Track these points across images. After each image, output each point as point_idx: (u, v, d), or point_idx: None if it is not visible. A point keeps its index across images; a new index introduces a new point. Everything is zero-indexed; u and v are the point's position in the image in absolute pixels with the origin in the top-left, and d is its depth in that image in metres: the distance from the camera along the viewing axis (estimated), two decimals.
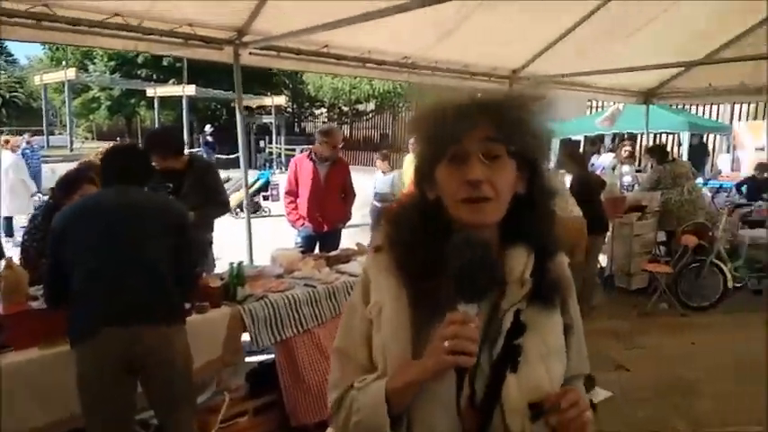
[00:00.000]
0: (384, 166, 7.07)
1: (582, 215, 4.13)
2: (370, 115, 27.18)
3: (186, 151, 4.16)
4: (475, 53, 5.50)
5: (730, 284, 5.19)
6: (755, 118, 15.42)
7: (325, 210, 4.70)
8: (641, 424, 3.41)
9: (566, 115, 7.41)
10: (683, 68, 7.17)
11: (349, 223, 5.08)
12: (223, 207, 3.91)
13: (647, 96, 7.89)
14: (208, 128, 20.26)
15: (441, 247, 0.95)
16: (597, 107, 14.55)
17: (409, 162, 7.03)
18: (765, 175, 7.88)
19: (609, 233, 5.44)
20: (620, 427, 3.39)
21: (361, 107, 26.79)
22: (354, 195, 5.01)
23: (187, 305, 2.57)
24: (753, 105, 15.46)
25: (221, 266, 3.53)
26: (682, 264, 5.28)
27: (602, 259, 5.94)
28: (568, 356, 1.07)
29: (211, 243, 3.93)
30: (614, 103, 9.10)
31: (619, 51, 6.15)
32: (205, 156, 18.66)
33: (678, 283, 5.29)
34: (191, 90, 19.78)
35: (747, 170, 11.77)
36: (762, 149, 12.55)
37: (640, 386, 3.85)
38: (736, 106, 15.94)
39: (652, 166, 6.28)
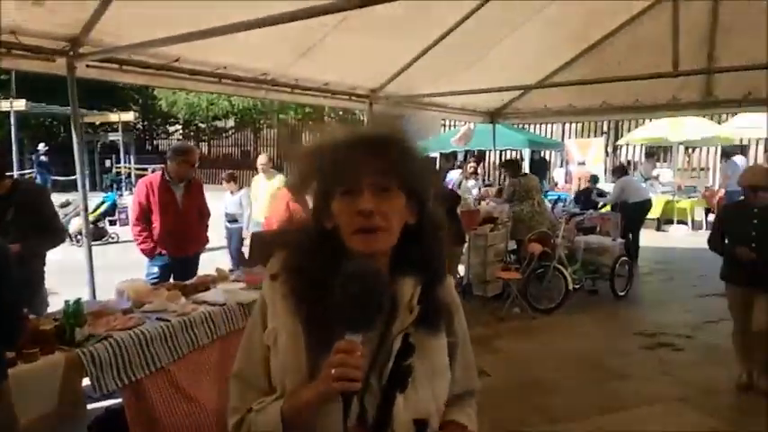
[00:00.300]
0: (231, 186, 7.02)
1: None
2: (230, 132, 26.31)
3: (15, 173, 3.63)
4: (335, 72, 5.54)
5: (571, 287, 5.76)
6: (581, 136, 17.55)
7: (184, 234, 4.38)
8: (505, 424, 3.60)
9: (423, 134, 7.70)
10: (522, 91, 7.91)
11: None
12: (56, 236, 3.46)
13: (493, 116, 8.54)
14: (41, 146, 18.10)
15: (333, 276, 0.99)
16: (450, 126, 15.47)
17: (256, 182, 6.94)
18: (597, 185, 8.90)
19: (466, 244, 5.76)
20: (485, 429, 3.55)
21: (219, 124, 25.82)
22: (209, 216, 4.75)
23: (10, 354, 2.21)
24: (579, 125, 17.58)
25: (59, 303, 3.11)
26: (529, 270, 5.76)
27: (461, 269, 6.29)
28: (455, 373, 1.15)
29: (43, 277, 3.46)
30: (465, 123, 9.73)
31: (467, 75, 6.61)
32: (38, 178, 16.62)
33: (527, 288, 5.75)
34: (20, 105, 17.54)
35: (576, 182, 13.32)
36: (583, 164, 14.33)
37: (501, 388, 4.07)
38: (566, 125, 18.01)
39: (505, 180, 6.79)
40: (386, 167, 1.03)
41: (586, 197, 9.31)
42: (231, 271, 4.26)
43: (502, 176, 7.34)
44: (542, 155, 15.79)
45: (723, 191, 11.38)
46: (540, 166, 14.69)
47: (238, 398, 1.11)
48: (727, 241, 4.09)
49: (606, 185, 10.88)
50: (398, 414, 1.02)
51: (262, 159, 7.06)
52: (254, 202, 6.79)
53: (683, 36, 6.60)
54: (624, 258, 6.40)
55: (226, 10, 3.52)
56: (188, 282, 3.76)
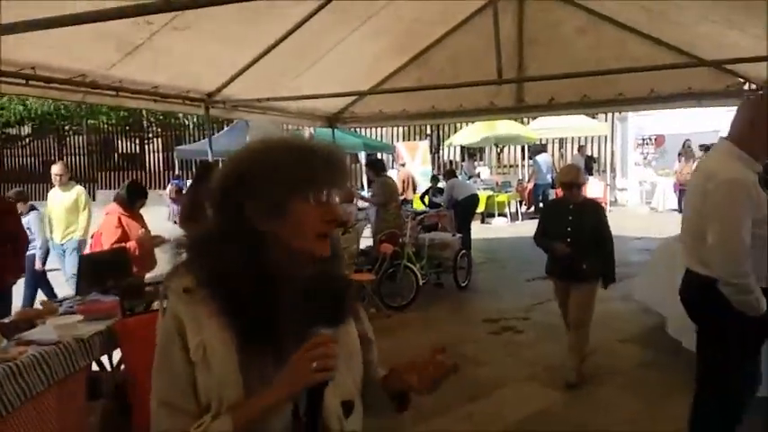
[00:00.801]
0: (21, 206, 5.91)
1: None
2: (27, 140, 22.95)
3: None
4: (166, 73, 5.09)
5: (421, 282, 6.04)
6: (406, 139, 18.67)
7: None
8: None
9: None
10: (357, 97, 8.12)
11: None
12: None
13: (332, 121, 8.63)
14: None
15: (271, 280, 1.04)
16: (295, 130, 15.31)
17: (52, 195, 6.08)
18: (439, 185, 9.45)
19: None
20: None
21: (13, 131, 22.38)
22: (27, 241, 4.07)
23: None
24: (406, 128, 18.63)
25: None
26: (382, 270, 5.91)
27: None
28: (369, 348, 1.26)
29: None
30: (304, 128, 9.70)
31: (304, 79, 6.58)
32: None
33: (381, 288, 5.90)
34: None
35: (401, 184, 14.11)
36: (403, 164, 15.25)
37: None
38: (395, 129, 18.97)
39: (372, 180, 6.85)
40: (347, 183, 1.18)
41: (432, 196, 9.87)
42: (59, 302, 3.68)
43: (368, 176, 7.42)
44: (378, 156, 16.45)
45: (532, 184, 12.93)
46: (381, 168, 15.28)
47: (173, 426, 1.05)
48: (547, 237, 4.27)
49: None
50: (327, 401, 1.06)
51: (56, 169, 6.18)
52: (53, 220, 5.95)
53: (496, 48, 7.35)
54: (463, 251, 6.92)
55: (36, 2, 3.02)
56: (5, 321, 3.16)
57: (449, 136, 16.69)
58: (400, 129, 19.12)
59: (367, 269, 6.32)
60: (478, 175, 14.02)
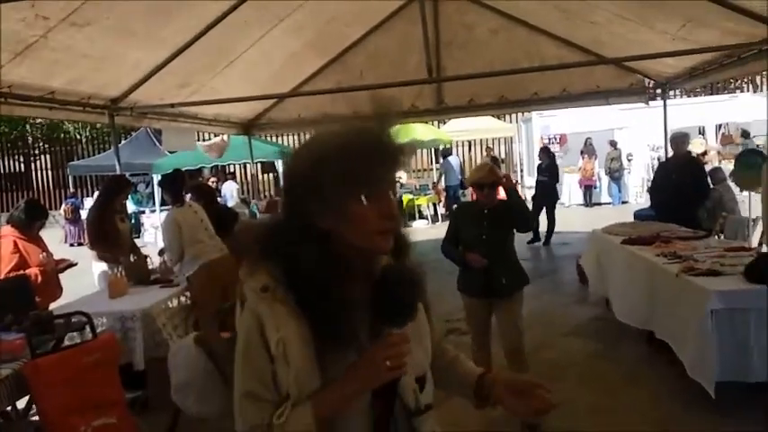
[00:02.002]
0: None
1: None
2: None
3: None
4: (63, 77, 4.52)
5: None
6: None
7: None
8: None
9: (179, 146, 6.98)
10: (275, 101, 7.78)
11: None
12: None
13: (248, 127, 8.21)
14: None
15: (339, 281, 1.06)
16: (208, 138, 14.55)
17: None
18: None
19: None
20: None
21: None
22: None
23: None
24: None
25: None
26: None
27: None
28: (431, 329, 1.29)
29: None
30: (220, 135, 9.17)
31: (218, 84, 6.18)
32: None
33: None
34: None
35: None
36: None
37: None
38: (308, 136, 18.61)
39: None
40: (396, 175, 1.18)
41: None
42: None
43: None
44: None
45: (443, 185, 13.15)
46: None
47: (257, 414, 1.11)
48: (460, 247, 3.59)
49: None
50: (403, 379, 1.12)
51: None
52: None
53: (415, 50, 7.33)
54: None
55: None
56: None
57: None
58: None
59: None
60: (399, 179, 14.04)
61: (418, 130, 12.95)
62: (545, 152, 10.67)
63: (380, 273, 1.11)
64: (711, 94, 17.28)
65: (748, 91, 18.35)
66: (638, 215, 7.71)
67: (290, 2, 5.46)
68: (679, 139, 5.54)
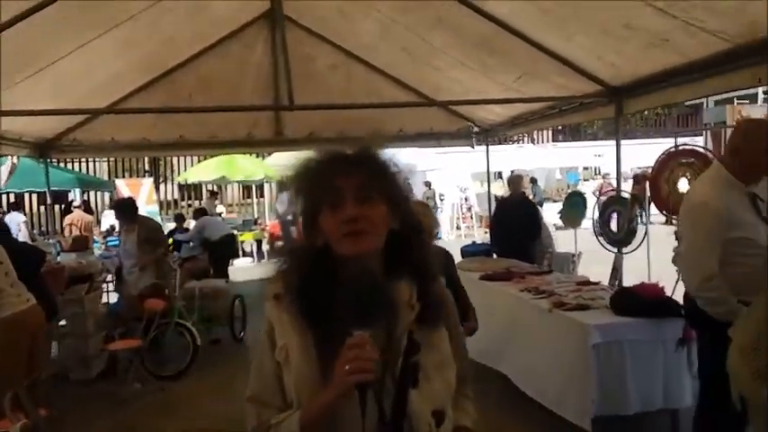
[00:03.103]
0: None
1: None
2: None
3: None
4: None
5: (199, 341, 4.99)
6: (122, 175, 16.44)
7: None
8: None
9: None
10: (85, 118, 6.60)
11: None
12: None
13: (44, 149, 6.81)
14: None
15: (333, 288, 1.08)
16: None
17: None
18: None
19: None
20: None
21: None
22: None
23: None
24: (120, 163, 16.34)
25: None
26: (150, 332, 4.67)
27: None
28: (457, 364, 1.21)
29: None
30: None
31: (16, 94, 4.98)
32: None
33: (148, 355, 4.67)
34: None
35: None
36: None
37: None
38: (104, 164, 16.48)
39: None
40: (365, 179, 1.12)
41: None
42: None
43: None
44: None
45: (278, 222, 12.58)
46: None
47: (256, 419, 1.15)
48: None
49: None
50: (416, 409, 1.08)
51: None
52: None
53: (250, 75, 6.91)
54: (239, 297, 6.07)
55: None
56: None
57: (178, 172, 15.18)
58: (113, 164, 16.73)
59: (120, 333, 4.96)
60: (220, 214, 13.05)
61: (245, 164, 12.27)
62: None
63: (344, 271, 1.10)
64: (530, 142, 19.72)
65: (529, 143, 21.35)
66: (466, 251, 8.15)
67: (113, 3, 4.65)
68: (516, 180, 5.98)
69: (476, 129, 8.08)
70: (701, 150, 4.46)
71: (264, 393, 1.15)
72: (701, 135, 14.48)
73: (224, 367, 5.26)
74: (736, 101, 19.81)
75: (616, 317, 3.25)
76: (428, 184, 15.03)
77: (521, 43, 4.67)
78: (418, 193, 15.29)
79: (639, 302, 3.17)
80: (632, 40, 3.95)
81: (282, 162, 14.47)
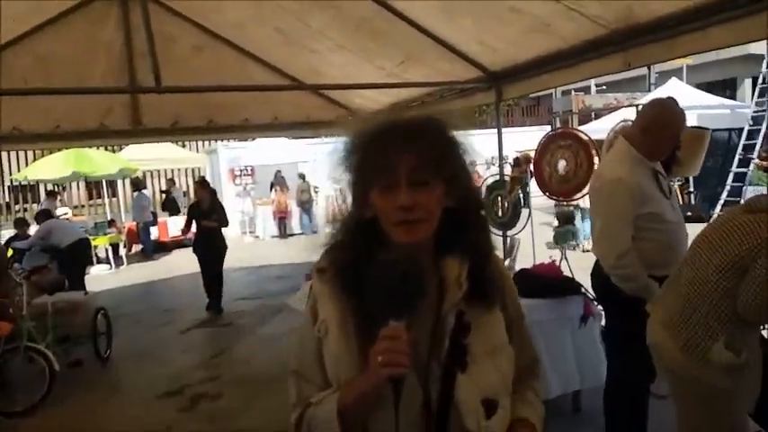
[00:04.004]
0: None
1: None
2: None
3: None
4: None
5: (56, 366, 4.22)
6: None
7: None
8: None
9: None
10: None
11: None
12: None
13: None
14: None
15: (381, 265, 1.02)
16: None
17: None
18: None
19: None
20: None
21: None
22: None
23: None
24: None
25: None
26: None
27: None
28: (514, 350, 1.13)
29: None
30: None
31: None
32: None
33: None
34: None
35: None
36: None
37: None
38: None
39: None
40: (422, 162, 1.04)
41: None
42: None
43: None
44: None
45: (136, 223, 11.46)
46: None
47: (297, 394, 1.13)
48: None
49: None
50: (463, 395, 1.02)
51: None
52: None
53: (100, 57, 6.10)
54: (102, 311, 5.29)
55: None
56: None
57: (10, 171, 13.12)
58: None
59: None
60: (65, 215, 11.46)
61: (98, 158, 10.94)
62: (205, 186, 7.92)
63: (377, 259, 1.03)
64: None
65: None
66: None
67: None
68: None
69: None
70: (577, 132, 4.69)
71: (305, 368, 1.12)
72: (549, 123, 15.75)
73: (89, 393, 4.56)
74: (573, 92, 21.90)
75: (521, 299, 3.25)
76: (302, 177, 14.65)
77: (404, 26, 4.55)
78: (292, 186, 14.85)
79: (541, 283, 3.21)
80: (516, 23, 3.99)
81: (141, 156, 13.20)
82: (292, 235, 14.63)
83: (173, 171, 18.39)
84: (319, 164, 15.09)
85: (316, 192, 15.11)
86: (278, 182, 14.54)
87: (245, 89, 6.21)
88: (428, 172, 1.03)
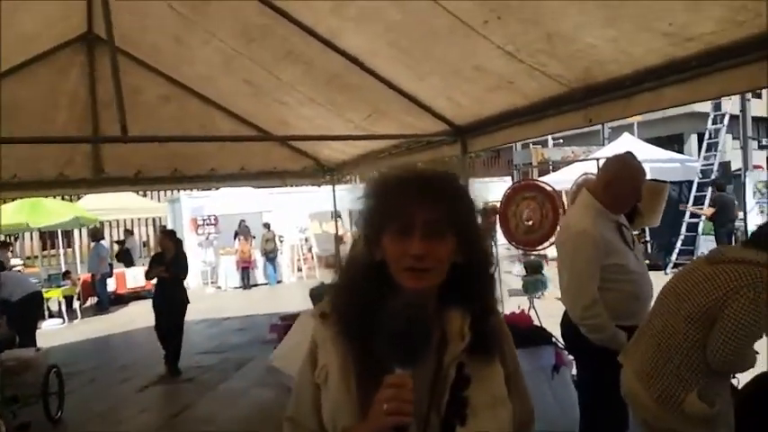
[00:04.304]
0: None
1: None
2: None
3: None
4: None
5: (3, 429, 3.93)
6: None
7: None
8: None
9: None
10: None
11: None
12: None
13: None
14: None
15: (381, 310, 1.00)
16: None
17: None
18: None
19: None
20: None
21: None
22: None
23: None
24: None
25: None
26: None
27: None
28: (513, 403, 1.13)
29: None
30: None
31: None
32: None
33: None
34: None
35: None
36: None
37: None
38: None
39: None
40: (438, 216, 1.06)
41: None
42: None
43: None
44: None
45: (92, 274, 11.01)
46: None
47: None
48: None
49: None
50: None
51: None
52: None
53: (63, 105, 6.03)
54: (54, 369, 4.99)
55: None
56: None
57: None
58: None
59: None
60: (17, 267, 10.97)
61: (53, 207, 10.60)
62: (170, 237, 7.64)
63: (387, 305, 1.00)
64: None
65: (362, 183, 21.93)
66: (316, 293, 7.87)
67: None
68: None
69: (322, 167, 7.97)
70: (541, 184, 4.83)
71: (301, 415, 1.11)
72: (509, 175, 16.23)
73: None
74: (531, 145, 22.71)
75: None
76: (267, 226, 14.51)
77: (372, 81, 4.67)
78: (257, 235, 14.66)
79: (515, 332, 3.20)
80: (480, 81, 4.15)
81: (99, 205, 12.87)
82: (256, 285, 14.33)
83: (132, 221, 17.96)
84: (281, 213, 15.05)
85: (281, 241, 14.97)
86: (242, 231, 14.36)
87: (213, 139, 6.25)
88: (443, 225, 1.06)
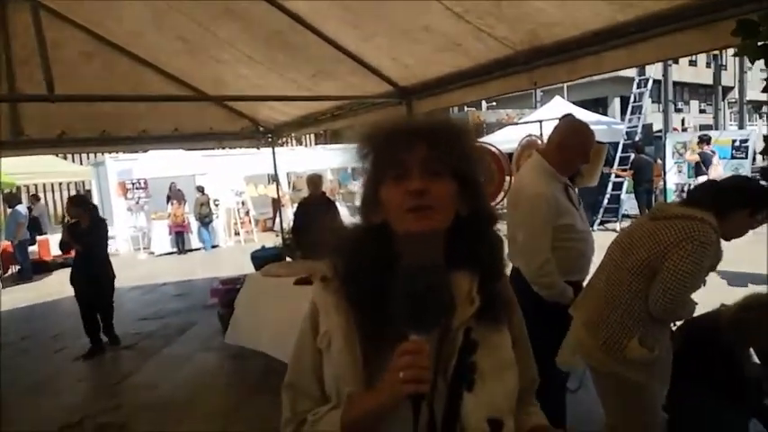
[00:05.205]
0: None
1: None
2: None
3: None
4: None
5: None
6: None
7: None
8: None
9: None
10: None
11: None
12: None
13: None
14: None
15: (387, 276, 0.96)
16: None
17: None
18: None
19: None
20: None
21: None
22: None
23: None
24: None
25: None
26: None
27: None
28: (522, 367, 1.11)
29: None
30: None
31: None
32: None
33: None
34: None
35: None
36: None
37: None
38: None
39: None
40: (436, 152, 1.03)
41: None
42: None
43: None
44: None
45: (10, 242, 10.34)
46: None
47: (291, 408, 1.09)
48: None
49: None
50: (469, 414, 1.00)
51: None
52: None
53: None
54: None
55: None
56: None
57: None
58: None
59: None
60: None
61: None
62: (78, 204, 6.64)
63: (401, 267, 0.96)
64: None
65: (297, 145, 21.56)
66: (257, 257, 7.79)
67: None
68: (315, 180, 5.87)
69: (260, 128, 7.74)
70: (487, 146, 4.93)
71: (301, 382, 1.08)
72: None
73: None
74: (466, 107, 23.03)
75: None
76: (201, 189, 14.03)
77: (316, 40, 4.56)
78: (190, 199, 14.18)
79: None
80: (427, 42, 4.14)
81: (15, 169, 11.97)
82: (191, 250, 13.95)
83: (52, 185, 16.86)
84: (215, 176, 14.59)
85: (216, 205, 14.56)
86: (174, 195, 13.83)
87: (145, 99, 5.92)
88: (440, 163, 1.02)
